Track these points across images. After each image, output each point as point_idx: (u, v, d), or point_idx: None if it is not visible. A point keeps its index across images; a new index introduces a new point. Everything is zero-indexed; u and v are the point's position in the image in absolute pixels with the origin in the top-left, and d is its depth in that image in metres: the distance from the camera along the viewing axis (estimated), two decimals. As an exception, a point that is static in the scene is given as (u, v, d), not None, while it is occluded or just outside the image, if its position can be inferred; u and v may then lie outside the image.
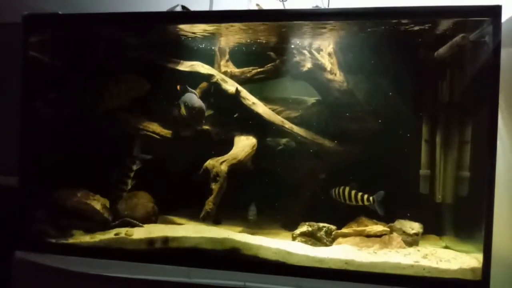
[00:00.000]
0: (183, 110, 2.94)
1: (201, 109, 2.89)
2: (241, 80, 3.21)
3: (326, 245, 2.76)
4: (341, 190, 2.92)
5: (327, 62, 3.05)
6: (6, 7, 3.16)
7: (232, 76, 3.20)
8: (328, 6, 2.93)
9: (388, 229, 2.79)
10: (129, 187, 2.93)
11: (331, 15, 2.59)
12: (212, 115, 3.18)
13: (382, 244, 2.69)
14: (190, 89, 3.00)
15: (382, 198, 2.79)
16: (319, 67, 3.05)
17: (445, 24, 2.57)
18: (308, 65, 3.05)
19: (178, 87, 3.01)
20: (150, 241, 2.67)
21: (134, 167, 2.94)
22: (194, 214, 2.90)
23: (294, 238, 2.79)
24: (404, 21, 2.52)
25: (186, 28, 2.85)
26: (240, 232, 2.85)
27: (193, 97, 2.95)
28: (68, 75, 3.07)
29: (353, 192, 2.87)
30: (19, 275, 2.66)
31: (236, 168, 2.92)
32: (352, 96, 3.10)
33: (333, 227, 2.82)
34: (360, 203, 2.85)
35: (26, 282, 2.67)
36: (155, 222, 3.05)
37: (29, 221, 2.83)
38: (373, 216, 2.88)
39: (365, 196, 2.83)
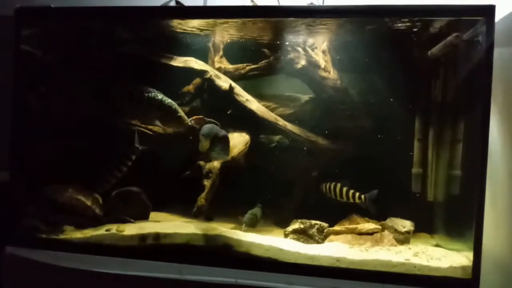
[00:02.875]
0: (205, 144, 2.74)
1: (226, 138, 2.73)
2: (235, 76, 3.19)
3: (318, 242, 2.77)
4: (332, 186, 2.92)
5: (321, 59, 3.05)
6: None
7: (226, 72, 3.19)
8: (323, 3, 2.92)
9: (380, 227, 2.80)
10: (121, 175, 2.94)
11: (325, 12, 2.59)
12: (207, 112, 3.16)
13: (373, 242, 2.70)
14: (208, 119, 2.87)
15: (375, 198, 2.80)
16: (313, 64, 3.04)
17: (439, 23, 2.58)
18: (302, 62, 3.04)
19: (194, 121, 2.92)
20: (142, 237, 2.66)
21: (133, 157, 2.96)
22: (186, 210, 2.89)
23: (286, 235, 2.79)
24: (398, 19, 2.53)
25: (180, 23, 2.83)
26: (232, 228, 2.84)
27: (214, 128, 2.80)
28: (59, 69, 3.04)
29: (344, 189, 2.88)
30: (9, 270, 2.65)
31: (229, 164, 2.91)
32: (345, 94, 3.10)
33: (325, 224, 2.83)
34: (352, 200, 2.86)
35: (16, 277, 2.65)
36: (147, 218, 3.04)
37: (19, 216, 2.81)
38: (365, 214, 2.89)
39: (357, 194, 2.84)
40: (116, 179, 2.93)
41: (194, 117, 2.98)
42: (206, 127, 2.80)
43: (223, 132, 2.74)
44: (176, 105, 3.00)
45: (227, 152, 2.70)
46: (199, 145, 2.77)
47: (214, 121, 2.84)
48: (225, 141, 2.71)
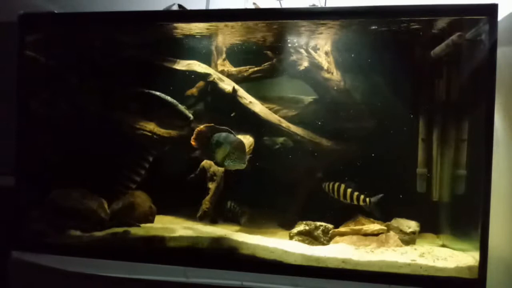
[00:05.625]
0: (219, 153, 2.57)
1: (242, 145, 2.58)
2: (238, 79, 3.20)
3: (323, 244, 2.77)
4: (336, 186, 2.91)
5: (324, 61, 3.05)
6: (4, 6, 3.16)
7: (229, 75, 3.20)
8: (325, 4, 2.93)
9: (385, 227, 2.79)
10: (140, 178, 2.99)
11: (328, 13, 2.58)
12: (211, 115, 3.16)
13: (379, 243, 2.69)
14: (220, 127, 2.65)
15: (380, 201, 2.79)
16: (316, 66, 3.05)
17: (441, 23, 2.57)
18: (305, 64, 3.05)
19: (203, 128, 2.69)
20: (147, 240, 2.67)
21: (151, 159, 3.03)
22: (191, 213, 2.89)
23: (291, 237, 2.79)
24: (400, 19, 2.52)
25: (183, 27, 2.84)
26: (237, 231, 2.84)
27: (228, 135, 2.61)
28: (63, 74, 3.06)
29: (349, 190, 2.87)
30: (15, 275, 2.65)
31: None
32: (348, 95, 3.10)
33: (330, 226, 2.82)
34: (356, 202, 2.85)
35: (23, 282, 2.66)
36: (152, 221, 3.04)
37: (25, 221, 2.82)
38: (370, 215, 2.88)
39: (362, 197, 2.83)
40: (136, 182, 2.97)
41: (204, 125, 2.93)
42: (219, 136, 2.62)
43: (238, 139, 2.59)
44: (176, 103, 3.00)
45: (243, 160, 2.54)
46: (213, 155, 2.59)
47: (227, 128, 2.66)
48: (241, 148, 2.56)
